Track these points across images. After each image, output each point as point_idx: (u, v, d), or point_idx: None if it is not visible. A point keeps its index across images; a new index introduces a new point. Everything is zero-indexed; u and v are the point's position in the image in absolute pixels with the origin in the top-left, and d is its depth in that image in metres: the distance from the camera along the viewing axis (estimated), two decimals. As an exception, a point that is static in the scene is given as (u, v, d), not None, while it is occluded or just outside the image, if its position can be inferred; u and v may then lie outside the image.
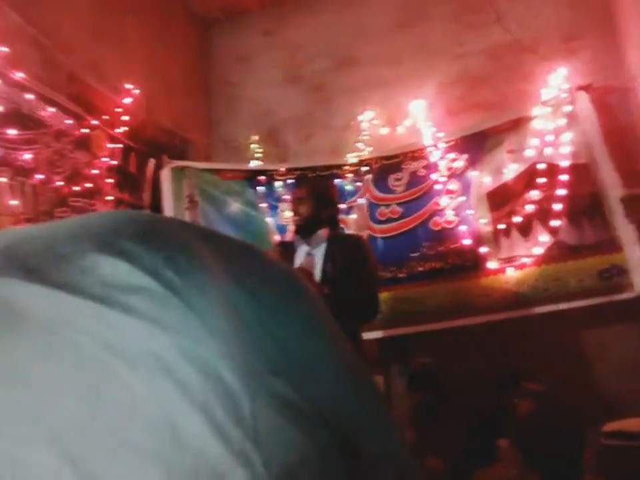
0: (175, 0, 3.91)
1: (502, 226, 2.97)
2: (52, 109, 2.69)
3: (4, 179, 2.39)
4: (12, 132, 2.45)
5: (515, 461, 1.55)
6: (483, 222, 3.03)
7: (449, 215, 3.09)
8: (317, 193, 2.38)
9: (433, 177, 3.17)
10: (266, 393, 0.26)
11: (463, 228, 3.05)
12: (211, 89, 4.19)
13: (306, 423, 0.26)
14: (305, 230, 2.36)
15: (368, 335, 3.01)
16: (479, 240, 3.00)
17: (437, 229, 3.09)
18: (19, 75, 2.54)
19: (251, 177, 3.35)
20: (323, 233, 2.35)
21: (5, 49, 2.49)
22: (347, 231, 3.09)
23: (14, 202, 2.42)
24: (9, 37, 2.55)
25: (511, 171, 3.08)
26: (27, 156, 2.50)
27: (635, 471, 2.00)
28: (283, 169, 3.38)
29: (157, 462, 0.21)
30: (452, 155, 3.18)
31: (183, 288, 0.25)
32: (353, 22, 3.89)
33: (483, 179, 3.12)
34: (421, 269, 3.02)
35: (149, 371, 0.22)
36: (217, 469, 0.22)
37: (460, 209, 3.09)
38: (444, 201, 3.12)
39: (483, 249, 2.98)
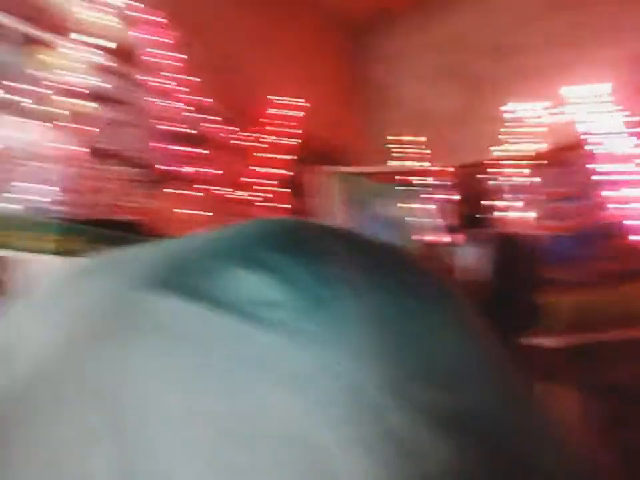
0: (324, 9, 4.04)
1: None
2: (225, 126, 2.93)
3: (185, 191, 2.66)
4: (192, 149, 2.71)
5: None
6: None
7: (633, 207, 2.79)
8: (470, 193, 2.30)
9: (604, 167, 2.88)
10: (413, 405, 0.24)
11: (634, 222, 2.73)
12: (363, 92, 4.24)
13: (454, 434, 0.25)
14: (459, 231, 2.29)
15: (542, 343, 2.83)
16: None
17: (609, 224, 2.81)
18: (199, 99, 2.80)
19: (404, 178, 3.34)
20: (479, 233, 2.26)
21: (190, 78, 2.77)
22: (508, 230, 2.93)
23: (192, 212, 2.67)
24: (189, 67, 2.82)
25: None
26: (205, 170, 2.75)
27: None
28: (444, 168, 3.31)
29: (298, 469, 0.21)
30: (624, 141, 2.87)
31: (327, 300, 0.24)
32: (507, 6, 3.70)
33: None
34: (595, 271, 2.76)
35: (290, 389, 0.22)
36: None
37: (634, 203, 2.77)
38: (618, 193, 2.82)
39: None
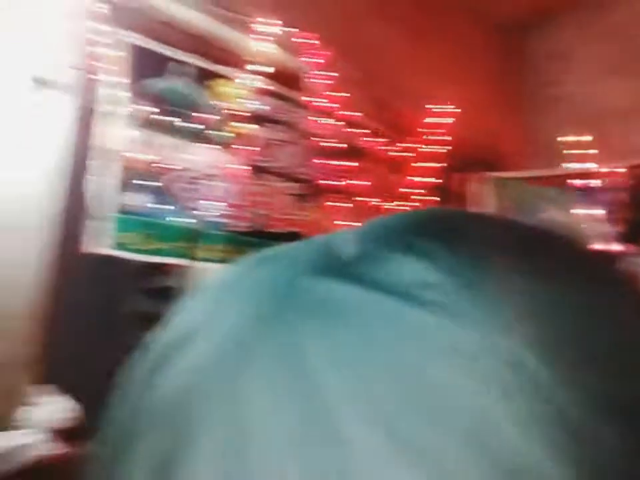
0: (479, 11, 3.93)
1: None
2: (374, 139, 3.01)
3: (341, 203, 2.78)
4: (348, 163, 2.82)
5: None
6: None
7: None
8: (638, 200, 2.06)
9: None
10: (580, 388, 0.24)
11: None
12: (524, 93, 4.04)
13: (618, 420, 0.24)
14: (632, 237, 2.06)
15: None
16: None
17: None
18: (352, 114, 2.91)
19: (570, 181, 3.10)
20: None
21: (344, 94, 2.90)
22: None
23: (348, 223, 2.77)
24: (343, 85, 2.95)
25: None
26: (359, 182, 2.84)
27: None
28: (615, 169, 3.02)
29: (471, 442, 0.21)
30: None
31: (479, 282, 0.25)
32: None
33: None
34: None
35: (452, 364, 0.22)
36: (530, 463, 0.21)
37: None
38: None
39: None
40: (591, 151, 3.36)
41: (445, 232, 0.28)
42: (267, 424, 0.22)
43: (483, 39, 3.95)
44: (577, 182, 3.12)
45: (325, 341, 0.23)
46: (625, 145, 3.38)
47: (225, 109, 2.51)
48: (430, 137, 3.27)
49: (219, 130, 2.47)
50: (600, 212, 2.92)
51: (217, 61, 2.57)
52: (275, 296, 0.26)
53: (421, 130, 3.29)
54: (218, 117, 2.48)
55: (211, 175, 2.37)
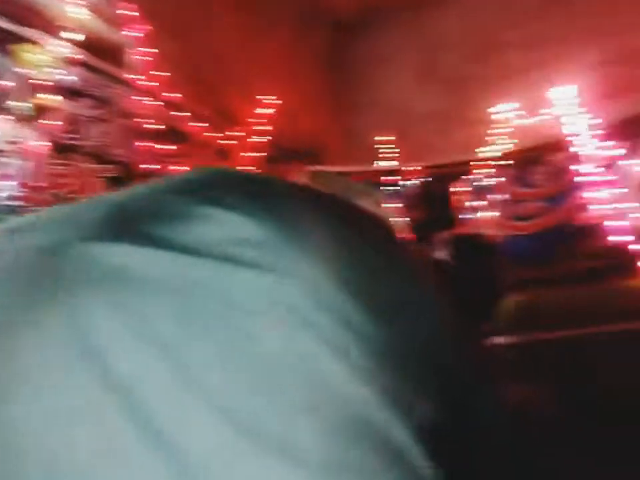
0: (308, 9, 4.05)
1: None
2: (199, 123, 2.95)
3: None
4: (167, 146, 2.73)
5: None
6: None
7: (600, 209, 2.82)
8: (430, 196, 2.32)
9: (581, 168, 2.91)
10: (367, 304, 0.25)
11: (616, 223, 2.76)
12: (344, 92, 4.27)
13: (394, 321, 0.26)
14: (422, 234, 2.33)
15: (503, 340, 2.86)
16: (635, 236, 2.70)
17: (585, 224, 2.84)
18: (175, 96, 2.82)
19: (383, 178, 3.36)
20: (444, 235, 2.30)
21: (166, 74, 2.78)
22: (470, 232, 2.97)
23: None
24: (163, 62, 2.84)
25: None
26: (181, 167, 2.77)
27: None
28: (416, 168, 3.34)
29: (309, 411, 0.20)
30: (609, 143, 2.90)
31: (296, 239, 0.24)
32: (494, 6, 3.72)
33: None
34: (568, 268, 2.79)
35: (281, 321, 0.22)
36: (366, 414, 0.21)
37: (614, 202, 2.80)
38: (593, 194, 2.85)
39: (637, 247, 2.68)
40: (396, 151, 3.68)
41: (250, 188, 0.26)
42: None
43: (312, 35, 4.07)
44: (386, 178, 3.39)
45: (119, 317, 0.20)
46: (435, 143, 3.75)
47: (28, 78, 2.27)
48: (255, 127, 3.30)
49: (19, 100, 2.22)
50: (400, 205, 3.22)
51: (23, 23, 2.31)
52: (45, 269, 0.21)
53: (247, 119, 3.31)
54: (19, 86, 2.23)
55: (5, 151, 2.12)
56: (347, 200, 0.32)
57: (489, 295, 2.15)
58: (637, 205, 2.75)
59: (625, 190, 2.79)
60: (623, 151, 2.83)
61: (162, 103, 2.79)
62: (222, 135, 3.13)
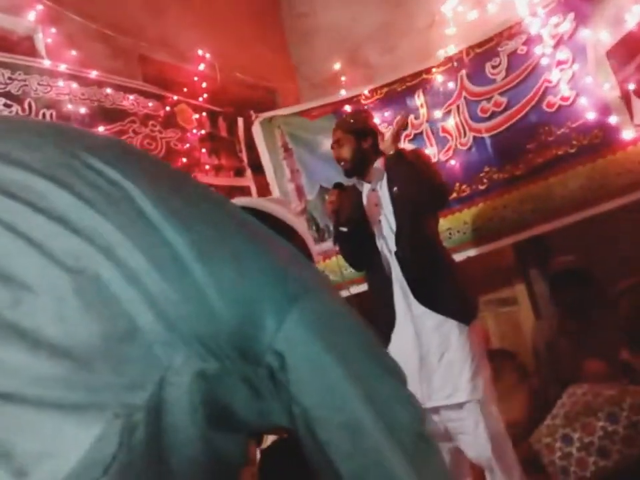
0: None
1: (632, 86, 2.48)
2: (132, 96, 2.78)
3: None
4: (100, 129, 2.58)
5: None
6: (607, 87, 2.55)
7: (564, 89, 2.66)
8: (353, 129, 2.19)
9: (537, 51, 2.73)
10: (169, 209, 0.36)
11: (583, 101, 2.61)
12: (283, 27, 4.03)
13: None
14: (356, 172, 2.22)
15: (494, 245, 2.78)
16: (605, 110, 2.55)
17: (552, 110, 2.68)
18: (94, 73, 2.65)
19: (338, 109, 3.19)
20: (379, 164, 2.18)
21: (74, 52, 2.61)
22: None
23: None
24: (75, 39, 2.66)
25: (636, 15, 2.53)
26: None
27: None
28: (367, 92, 3.16)
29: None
30: (555, 19, 2.70)
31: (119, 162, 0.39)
32: None
33: (598, 37, 2.61)
34: (540, 159, 2.66)
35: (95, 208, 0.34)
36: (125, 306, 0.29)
37: (576, 80, 2.64)
38: (555, 75, 2.68)
39: (612, 119, 2.53)
40: (346, 76, 3.50)
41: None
42: None
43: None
44: (347, 107, 3.23)
45: None
46: (386, 61, 3.56)
47: None
48: (195, 87, 3.13)
49: None
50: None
51: None
52: None
53: (185, 80, 3.14)
54: None
55: None
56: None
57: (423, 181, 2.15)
58: (593, 79, 2.59)
59: (585, 64, 2.62)
60: (572, 24, 2.64)
61: (87, 84, 2.63)
62: (162, 103, 2.97)
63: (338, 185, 2.24)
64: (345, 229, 2.18)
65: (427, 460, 0.39)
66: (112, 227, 0.31)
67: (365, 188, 2.26)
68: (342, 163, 2.24)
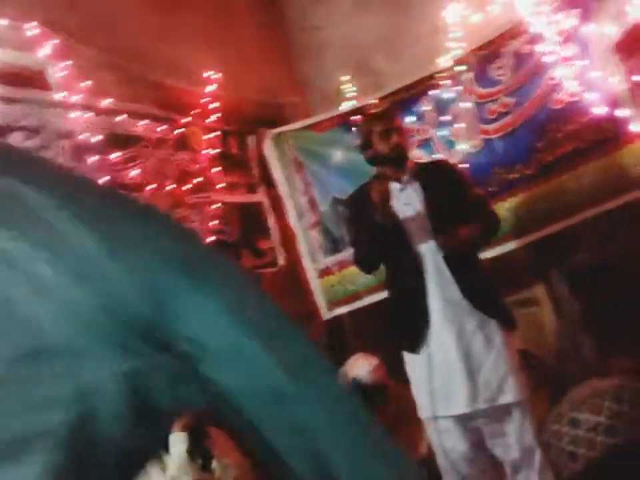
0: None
1: (638, 77, 2.45)
2: (143, 122, 2.85)
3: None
4: (114, 155, 2.65)
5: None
6: (615, 81, 2.53)
7: (571, 86, 2.64)
8: (390, 128, 2.16)
9: (542, 49, 2.72)
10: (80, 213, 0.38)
11: (591, 96, 2.58)
12: (290, 41, 4.08)
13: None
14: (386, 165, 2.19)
15: (510, 246, 2.76)
16: (614, 104, 2.52)
17: (559, 106, 2.67)
18: (105, 102, 2.72)
19: (347, 121, 3.22)
20: (409, 164, 2.18)
21: (85, 83, 2.68)
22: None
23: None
24: (86, 70, 2.73)
25: (638, 7, 2.51)
26: (134, 172, 2.70)
27: None
28: (374, 101, 3.18)
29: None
30: (559, 16, 2.69)
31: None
32: None
33: (604, 31, 2.59)
34: (550, 158, 2.64)
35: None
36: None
37: (583, 75, 2.62)
38: (560, 72, 2.67)
39: (621, 112, 2.50)
40: (354, 89, 3.52)
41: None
42: None
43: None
44: (355, 117, 3.24)
45: None
46: (393, 69, 3.57)
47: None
48: (204, 108, 3.18)
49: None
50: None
51: None
52: None
53: (195, 102, 3.19)
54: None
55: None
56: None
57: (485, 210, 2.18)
58: (607, 71, 2.56)
59: (591, 59, 2.60)
60: (576, 20, 2.62)
61: (99, 113, 2.70)
62: (173, 127, 3.03)
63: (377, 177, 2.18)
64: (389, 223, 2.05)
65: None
66: (23, 243, 0.32)
67: (394, 187, 2.16)
68: (397, 150, 2.16)
